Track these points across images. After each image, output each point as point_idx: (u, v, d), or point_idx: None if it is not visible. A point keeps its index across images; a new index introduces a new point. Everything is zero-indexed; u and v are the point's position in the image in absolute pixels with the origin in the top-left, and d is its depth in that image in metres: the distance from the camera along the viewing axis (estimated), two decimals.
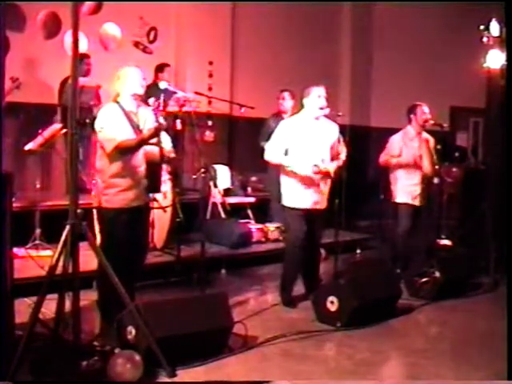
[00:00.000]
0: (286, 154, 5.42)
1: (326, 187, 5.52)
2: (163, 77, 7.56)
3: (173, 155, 5.00)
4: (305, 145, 5.38)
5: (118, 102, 4.68)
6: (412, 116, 6.46)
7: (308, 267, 5.66)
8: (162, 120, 4.60)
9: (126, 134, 4.55)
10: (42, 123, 6.42)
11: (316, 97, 5.38)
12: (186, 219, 6.21)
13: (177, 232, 6.23)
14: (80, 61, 7.12)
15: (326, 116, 5.53)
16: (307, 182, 5.38)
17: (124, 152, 4.55)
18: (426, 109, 6.44)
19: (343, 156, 5.61)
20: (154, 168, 4.81)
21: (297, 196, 5.41)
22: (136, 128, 4.65)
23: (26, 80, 6.46)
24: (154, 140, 4.61)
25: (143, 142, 4.58)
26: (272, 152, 5.44)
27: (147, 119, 4.73)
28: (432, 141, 6.61)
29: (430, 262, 5.99)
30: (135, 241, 4.73)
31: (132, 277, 4.74)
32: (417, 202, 6.45)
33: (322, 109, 5.40)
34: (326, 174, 5.43)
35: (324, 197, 5.52)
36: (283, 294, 5.57)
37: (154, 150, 4.69)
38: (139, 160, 4.68)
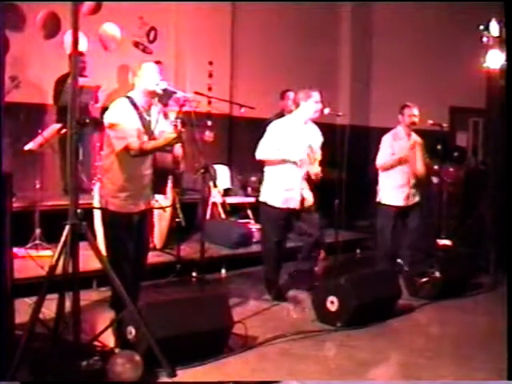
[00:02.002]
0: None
1: (306, 188, 5.60)
2: None
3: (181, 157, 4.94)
4: (296, 145, 5.47)
5: (128, 97, 4.52)
6: (400, 116, 6.48)
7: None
8: (179, 125, 4.49)
9: (137, 134, 4.41)
10: (41, 123, 6.42)
11: (314, 102, 5.50)
12: (186, 219, 6.21)
13: (177, 232, 6.23)
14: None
15: (324, 116, 5.62)
16: (289, 179, 5.47)
17: (134, 153, 4.40)
18: (414, 110, 6.41)
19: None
20: (162, 172, 4.71)
21: (279, 196, 5.48)
22: (147, 127, 4.52)
23: (25, 80, 6.46)
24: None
25: (157, 148, 4.48)
26: (264, 150, 5.51)
27: (159, 119, 4.64)
28: (421, 142, 6.61)
29: (429, 262, 5.99)
30: (139, 242, 4.70)
31: (138, 277, 4.74)
32: (402, 203, 6.46)
33: (316, 113, 5.52)
34: (316, 176, 5.53)
35: (307, 197, 5.59)
36: (270, 290, 5.62)
37: (166, 155, 4.63)
38: (148, 164, 4.60)
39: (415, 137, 6.58)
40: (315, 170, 5.53)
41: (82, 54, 7.17)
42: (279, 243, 5.59)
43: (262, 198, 5.65)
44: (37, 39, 7.22)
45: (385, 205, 6.50)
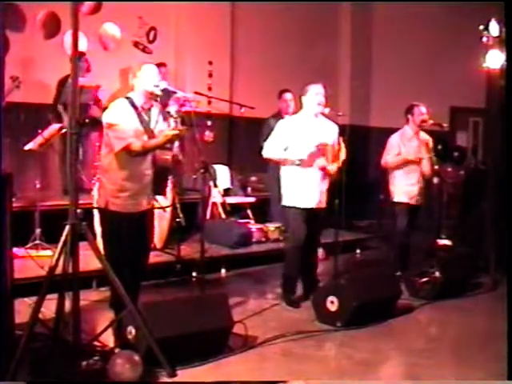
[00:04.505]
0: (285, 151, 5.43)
1: (325, 186, 5.53)
2: None
3: (180, 157, 4.95)
4: (305, 143, 5.37)
5: (128, 98, 4.53)
6: (409, 116, 6.46)
7: (306, 268, 5.66)
8: (180, 126, 4.49)
9: (137, 134, 4.42)
10: (42, 123, 6.42)
11: (314, 94, 5.41)
12: (186, 219, 6.20)
13: (177, 232, 6.23)
14: (78, 59, 7.15)
15: (325, 116, 5.55)
16: (308, 178, 5.37)
17: (134, 154, 4.41)
18: (423, 109, 6.43)
19: (342, 157, 5.63)
20: (162, 171, 4.71)
21: (298, 195, 5.41)
22: (147, 127, 4.53)
23: (25, 80, 6.46)
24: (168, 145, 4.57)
25: (158, 146, 4.48)
26: (271, 149, 5.45)
27: (159, 120, 4.64)
28: (431, 141, 6.61)
29: (429, 262, 5.99)
30: (140, 242, 4.69)
31: (138, 278, 4.73)
32: (414, 202, 6.45)
33: (320, 105, 5.40)
34: (328, 173, 5.45)
35: (324, 196, 5.53)
36: (286, 294, 5.55)
37: (166, 154, 4.63)
38: (148, 163, 4.59)
39: (424, 135, 6.56)
40: (332, 168, 5.45)
41: (82, 53, 7.18)
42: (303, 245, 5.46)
43: (284, 201, 5.50)
44: (37, 39, 7.22)
45: (400, 203, 6.46)
